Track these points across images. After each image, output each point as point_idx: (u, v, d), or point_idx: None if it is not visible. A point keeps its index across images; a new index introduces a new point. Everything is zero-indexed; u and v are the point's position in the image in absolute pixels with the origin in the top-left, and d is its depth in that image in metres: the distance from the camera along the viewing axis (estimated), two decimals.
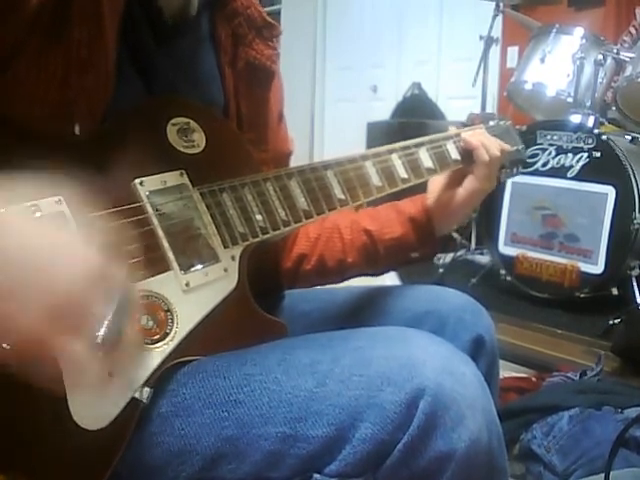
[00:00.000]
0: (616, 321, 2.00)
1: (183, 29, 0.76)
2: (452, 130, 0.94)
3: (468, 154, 0.91)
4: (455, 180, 0.92)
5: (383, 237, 0.92)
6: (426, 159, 0.87)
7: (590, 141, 2.24)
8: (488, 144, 0.91)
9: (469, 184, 0.91)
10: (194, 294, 0.63)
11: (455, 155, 0.90)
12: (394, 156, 0.84)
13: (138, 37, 0.69)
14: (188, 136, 0.68)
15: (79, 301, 0.47)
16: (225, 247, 0.66)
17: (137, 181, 0.63)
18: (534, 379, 1.74)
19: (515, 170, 1.04)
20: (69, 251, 0.48)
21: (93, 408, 0.54)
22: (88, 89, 0.62)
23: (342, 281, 0.96)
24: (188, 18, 0.76)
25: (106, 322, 0.47)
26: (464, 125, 1.00)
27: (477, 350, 0.81)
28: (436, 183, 0.93)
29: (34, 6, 0.59)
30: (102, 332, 0.47)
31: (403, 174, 0.84)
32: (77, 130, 0.62)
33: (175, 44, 0.74)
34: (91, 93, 0.63)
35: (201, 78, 0.78)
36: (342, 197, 0.76)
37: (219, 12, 0.80)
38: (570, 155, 2.29)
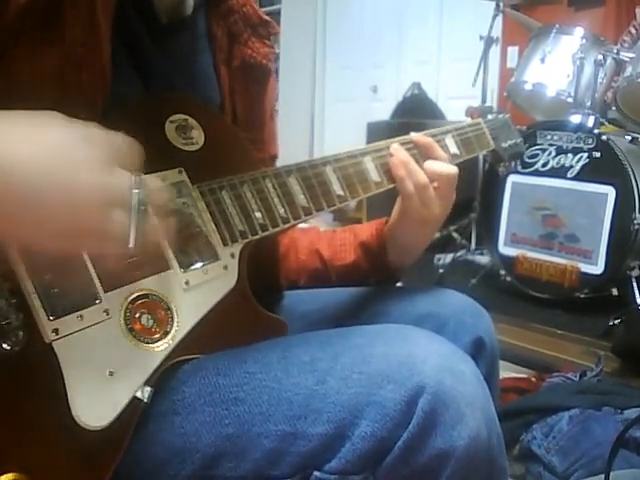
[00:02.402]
0: (616, 322, 2.00)
1: (179, 27, 0.76)
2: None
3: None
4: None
5: (335, 263, 0.91)
6: None
7: (590, 141, 2.24)
8: (413, 171, 0.80)
9: (409, 213, 0.82)
10: (194, 292, 0.63)
11: (454, 150, 0.89)
12: None
13: (134, 35, 0.69)
14: (187, 133, 0.68)
15: (104, 181, 0.49)
16: (225, 245, 0.66)
17: None
18: (534, 379, 1.74)
19: (514, 164, 1.03)
20: (78, 170, 0.50)
21: (94, 408, 0.54)
22: (84, 86, 0.62)
23: None
24: (183, 16, 0.76)
25: (133, 186, 0.50)
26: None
27: (477, 352, 0.81)
28: (395, 208, 0.86)
29: (23, 3, 0.59)
30: (132, 236, 0.50)
31: None
32: None
33: (171, 42, 0.74)
34: (87, 90, 0.63)
35: (197, 77, 0.77)
36: (341, 193, 0.76)
37: (215, 10, 0.80)
38: (570, 155, 2.29)
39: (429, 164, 0.82)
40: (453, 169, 0.83)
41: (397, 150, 0.82)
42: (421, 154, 0.83)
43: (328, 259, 0.92)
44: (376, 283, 0.92)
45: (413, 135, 0.85)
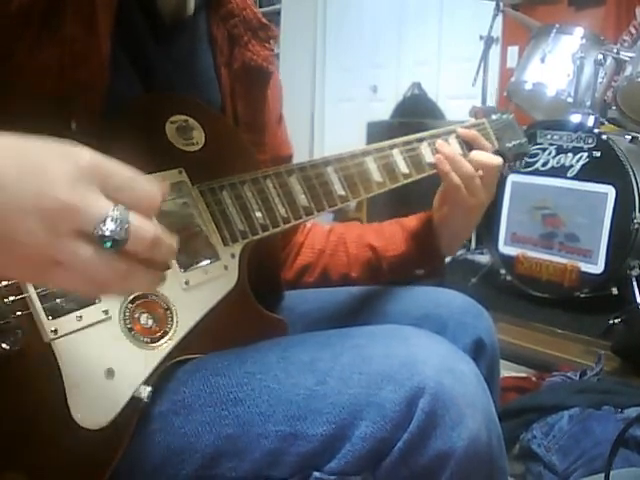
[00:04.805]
0: (616, 321, 2.01)
1: (180, 28, 0.76)
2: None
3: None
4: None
5: (387, 254, 0.92)
6: (428, 154, 0.86)
7: (590, 141, 2.23)
8: (458, 164, 0.86)
9: (457, 202, 0.88)
10: (194, 292, 0.63)
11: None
12: (395, 151, 0.83)
13: (135, 34, 0.69)
14: (187, 134, 0.68)
15: (74, 201, 0.42)
16: (225, 245, 0.66)
17: None
18: (534, 379, 1.74)
19: (518, 163, 1.04)
20: (54, 152, 0.43)
21: (93, 407, 0.54)
22: (83, 84, 0.62)
23: None
24: (185, 17, 0.76)
25: (108, 218, 0.42)
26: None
27: (478, 353, 0.81)
28: (439, 198, 0.91)
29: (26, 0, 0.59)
30: (107, 227, 0.42)
31: (404, 169, 0.83)
32: (73, 126, 0.62)
33: (173, 43, 0.74)
34: (86, 88, 0.63)
35: (198, 78, 0.77)
36: (342, 193, 0.76)
37: (215, 13, 0.80)
38: (570, 155, 2.29)
39: (475, 154, 0.88)
40: (497, 159, 0.89)
41: (441, 146, 0.87)
42: (466, 146, 0.90)
43: (380, 250, 0.93)
44: (424, 276, 0.94)
45: (459, 128, 0.90)
